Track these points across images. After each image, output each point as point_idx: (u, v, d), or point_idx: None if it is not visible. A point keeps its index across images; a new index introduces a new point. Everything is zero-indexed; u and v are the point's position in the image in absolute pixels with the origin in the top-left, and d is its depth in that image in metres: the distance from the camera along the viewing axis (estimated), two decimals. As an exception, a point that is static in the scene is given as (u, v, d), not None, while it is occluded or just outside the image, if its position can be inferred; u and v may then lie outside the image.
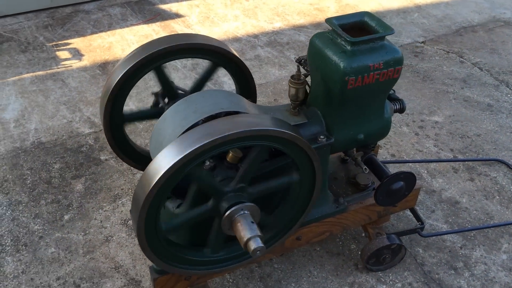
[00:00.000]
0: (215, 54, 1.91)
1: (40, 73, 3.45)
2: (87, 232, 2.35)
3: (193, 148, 1.32)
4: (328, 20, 1.68)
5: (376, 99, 1.79)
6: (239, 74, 2.01)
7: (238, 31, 4.03)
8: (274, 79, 3.51)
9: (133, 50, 1.85)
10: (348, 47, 1.63)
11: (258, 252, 1.42)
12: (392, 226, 2.44)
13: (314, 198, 1.71)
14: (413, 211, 2.30)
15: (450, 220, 2.48)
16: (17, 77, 3.40)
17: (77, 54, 3.65)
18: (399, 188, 1.93)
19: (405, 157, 2.84)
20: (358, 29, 1.73)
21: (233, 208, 1.50)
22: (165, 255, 1.56)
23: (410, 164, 2.78)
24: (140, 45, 1.86)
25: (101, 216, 2.43)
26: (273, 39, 3.97)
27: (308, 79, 1.83)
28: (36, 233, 2.34)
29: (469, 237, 2.40)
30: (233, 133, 1.34)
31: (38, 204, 2.49)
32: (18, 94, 3.25)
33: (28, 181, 2.63)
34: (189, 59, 3.60)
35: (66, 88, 3.32)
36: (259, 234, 1.45)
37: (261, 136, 1.42)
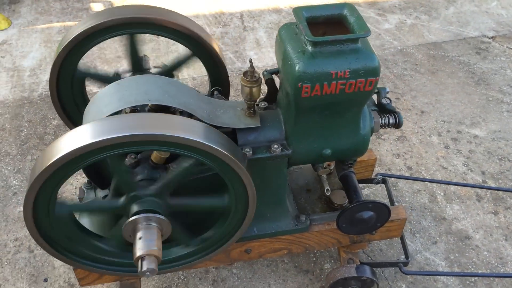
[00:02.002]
0: (189, 39, 1.70)
1: (70, 23, 3.41)
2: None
3: (75, 148, 1.15)
4: (296, 10, 1.38)
5: (345, 112, 1.48)
6: (210, 63, 1.78)
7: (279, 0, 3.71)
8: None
9: (106, 9, 1.70)
10: (309, 47, 1.33)
11: (147, 273, 1.24)
12: (380, 251, 2.13)
13: (248, 215, 1.47)
14: (402, 241, 1.97)
15: (452, 258, 2.11)
16: (46, 25, 3.40)
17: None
18: (368, 218, 1.63)
19: (423, 173, 2.46)
20: (335, 24, 1.41)
21: (141, 215, 1.32)
22: (57, 241, 1.42)
23: (427, 183, 2.40)
24: (116, 6, 1.69)
25: (78, 183, 2.37)
26: (317, 15, 3.61)
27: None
28: (12, 188, 2.34)
29: (468, 282, 2.03)
30: (109, 138, 1.14)
31: (24, 159, 2.48)
32: (42, 42, 3.25)
33: (23, 134, 2.62)
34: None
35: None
36: (156, 254, 1.26)
37: (156, 142, 1.20)
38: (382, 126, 1.65)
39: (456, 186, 2.39)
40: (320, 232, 1.76)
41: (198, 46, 1.74)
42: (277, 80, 1.59)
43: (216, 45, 1.77)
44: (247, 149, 1.49)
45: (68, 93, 1.74)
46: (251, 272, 2.03)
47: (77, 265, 1.47)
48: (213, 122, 1.47)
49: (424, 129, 2.71)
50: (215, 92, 1.74)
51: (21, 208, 2.24)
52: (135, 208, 1.33)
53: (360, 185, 2.33)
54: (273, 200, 1.65)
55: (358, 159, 2.01)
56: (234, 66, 3.12)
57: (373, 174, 2.18)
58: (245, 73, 1.43)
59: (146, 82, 1.43)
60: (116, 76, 1.77)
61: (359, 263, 1.86)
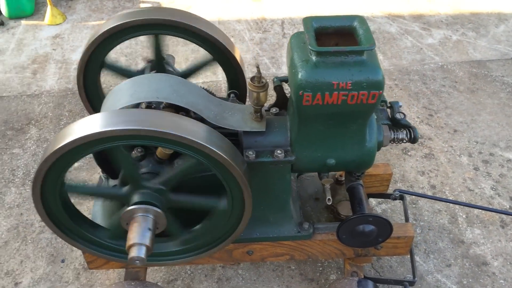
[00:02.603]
0: (211, 45, 1.76)
1: (118, 21, 3.59)
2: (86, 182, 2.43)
3: (77, 137, 1.23)
4: (305, 20, 1.40)
5: (350, 124, 1.48)
6: (229, 68, 1.83)
7: (323, 8, 3.71)
8: (339, 70, 3.18)
9: (135, 10, 1.80)
10: (313, 57, 1.35)
11: (136, 261, 1.30)
12: (390, 268, 2.09)
13: (245, 217, 1.50)
14: (411, 258, 1.93)
15: (465, 282, 2.04)
16: (97, 22, 3.59)
17: (158, 8, 3.71)
18: (369, 232, 1.62)
19: (446, 193, 2.39)
20: (347, 36, 1.42)
21: (139, 206, 1.38)
22: (61, 220, 1.51)
23: (450, 204, 2.33)
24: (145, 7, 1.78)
25: (105, 172, 2.49)
26: (359, 26, 3.58)
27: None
28: (45, 172, 2.49)
29: (478, 310, 1.96)
30: (109, 130, 1.22)
31: (60, 146, 2.63)
32: (91, 38, 3.44)
33: (62, 122, 2.79)
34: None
35: (134, 41, 3.40)
36: (148, 245, 1.32)
37: (154, 138, 1.26)
38: (394, 141, 1.63)
39: (480, 210, 2.31)
40: (323, 241, 1.76)
41: (220, 53, 1.80)
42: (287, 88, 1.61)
43: (238, 53, 1.82)
44: (250, 152, 1.53)
45: (94, 86, 1.85)
46: (256, 274, 2.06)
47: (80, 248, 1.57)
48: (219, 123, 1.51)
49: (454, 149, 2.63)
50: (232, 95, 1.79)
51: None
52: (135, 198, 1.40)
53: (378, 200, 2.34)
54: (276, 205, 1.67)
55: (373, 173, 2.01)
56: (269, 72, 3.16)
57: (390, 189, 2.15)
58: (252, 78, 1.47)
59: (158, 81, 1.50)
60: (138, 72, 1.86)
61: (363, 277, 1.84)
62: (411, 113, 2.84)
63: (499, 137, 2.70)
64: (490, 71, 3.17)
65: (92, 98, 1.90)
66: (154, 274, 2.06)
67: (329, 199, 1.61)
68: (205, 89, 1.66)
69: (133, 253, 1.29)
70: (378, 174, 2.00)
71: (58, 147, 1.26)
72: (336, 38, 1.46)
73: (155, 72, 1.83)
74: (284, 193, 1.65)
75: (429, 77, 3.13)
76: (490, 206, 2.33)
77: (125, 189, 1.44)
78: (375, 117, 1.58)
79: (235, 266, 2.08)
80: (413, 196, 2.35)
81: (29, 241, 2.18)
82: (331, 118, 1.44)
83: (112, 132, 1.22)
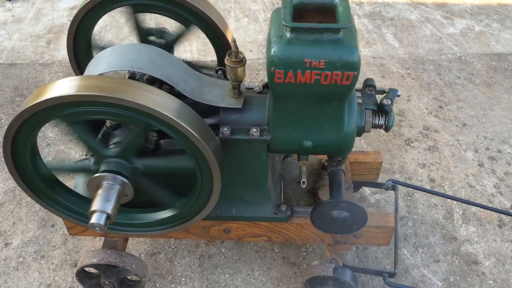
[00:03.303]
0: (192, 13, 1.73)
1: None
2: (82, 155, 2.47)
3: (42, 100, 1.24)
4: (284, -6, 1.36)
5: (326, 106, 1.43)
6: (219, 45, 1.80)
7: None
8: (351, 55, 3.09)
9: None
10: (287, 33, 1.31)
11: (96, 228, 1.31)
12: (375, 259, 2.05)
13: (214, 195, 1.49)
14: (395, 250, 1.88)
15: (452, 280, 1.97)
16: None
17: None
18: (343, 218, 1.58)
19: (445, 187, 2.31)
20: (328, 14, 1.37)
21: (104, 174, 1.39)
22: (38, 185, 1.54)
23: (448, 199, 2.25)
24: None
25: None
26: (377, 11, 3.47)
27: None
28: (47, 139, 2.54)
29: (461, 308, 1.89)
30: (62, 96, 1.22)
31: (64, 115, 2.68)
32: (107, 11, 3.47)
33: (69, 92, 2.83)
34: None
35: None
36: (109, 212, 1.32)
37: (108, 104, 1.26)
38: (373, 126, 1.58)
39: (478, 208, 2.22)
40: (300, 225, 1.73)
41: (209, 28, 1.77)
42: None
43: (229, 29, 1.79)
44: (225, 129, 1.51)
45: (85, 57, 1.85)
46: (239, 254, 2.05)
47: (55, 212, 1.60)
48: (194, 97, 1.50)
49: (460, 143, 2.53)
50: (219, 72, 1.76)
51: (49, 159, 2.44)
52: (102, 167, 1.41)
53: (372, 189, 2.28)
54: (252, 184, 1.65)
55: (363, 160, 1.96)
56: (279, 54, 3.10)
57: (379, 178, 2.09)
58: (229, 54, 1.44)
59: (137, 51, 1.49)
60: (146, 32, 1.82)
61: (341, 264, 1.81)
62: (420, 104, 2.75)
63: (511, 134, 2.58)
64: (510, 65, 3.02)
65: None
66: (139, 246, 2.08)
67: (303, 182, 1.58)
68: (189, 63, 1.64)
69: (93, 219, 1.30)
70: (367, 162, 1.95)
71: (18, 112, 1.28)
72: (320, 16, 1.41)
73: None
74: (261, 173, 1.62)
75: (445, 68, 3.01)
76: (490, 205, 2.24)
77: (92, 160, 1.45)
78: (357, 100, 1.53)
79: (218, 244, 2.08)
80: (410, 189, 2.28)
81: (24, 205, 2.24)
82: (306, 98, 1.40)
83: (60, 99, 1.23)
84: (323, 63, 1.29)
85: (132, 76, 1.63)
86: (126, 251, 2.02)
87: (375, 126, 1.58)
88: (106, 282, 1.80)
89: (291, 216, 1.73)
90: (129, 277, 1.86)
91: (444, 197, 2.16)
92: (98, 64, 1.48)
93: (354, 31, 1.35)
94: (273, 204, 1.72)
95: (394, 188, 2.08)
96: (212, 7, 1.78)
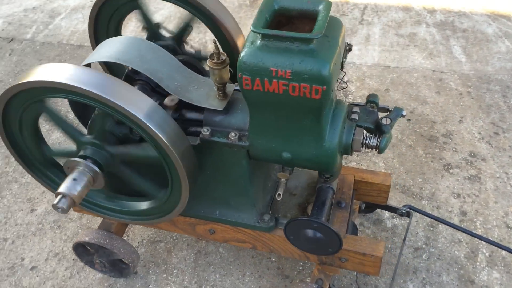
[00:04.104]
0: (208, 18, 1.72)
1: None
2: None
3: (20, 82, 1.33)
4: (267, -1, 1.30)
5: (302, 118, 1.34)
6: (227, 45, 1.77)
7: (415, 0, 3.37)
8: (408, 67, 2.89)
9: None
10: (258, 39, 1.25)
11: (58, 209, 1.37)
12: (375, 287, 1.90)
13: (184, 189, 1.47)
14: (392, 281, 1.73)
15: (455, 327, 1.77)
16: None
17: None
18: (317, 239, 1.49)
19: (477, 224, 2.07)
20: (309, 21, 1.28)
21: (78, 159, 1.44)
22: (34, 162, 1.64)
23: (475, 238, 2.00)
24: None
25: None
26: (450, 21, 3.18)
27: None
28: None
29: None
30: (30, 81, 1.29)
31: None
32: (175, 2, 3.60)
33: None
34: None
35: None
36: (73, 197, 1.38)
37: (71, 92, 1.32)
38: (363, 145, 1.46)
39: (508, 253, 1.96)
40: (283, 238, 1.66)
41: (219, 30, 1.75)
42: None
43: (232, 24, 1.75)
44: (205, 129, 1.49)
45: (104, 34, 1.91)
46: (235, 256, 2.03)
47: (46, 186, 1.70)
48: (178, 95, 1.50)
49: (509, 176, 2.24)
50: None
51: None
52: (81, 153, 1.47)
53: (392, 213, 2.11)
54: (234, 189, 1.62)
55: (370, 180, 1.83)
56: (331, 58, 2.98)
57: (402, 202, 1.93)
58: (211, 55, 1.42)
59: (129, 43, 1.52)
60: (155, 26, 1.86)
61: (327, 287, 1.71)
62: (472, 127, 2.48)
63: None
64: None
65: None
66: (143, 232, 2.15)
67: (279, 194, 1.51)
68: (198, 52, 1.64)
69: (56, 201, 1.36)
70: (374, 183, 1.81)
71: (5, 91, 1.38)
72: (312, 24, 1.33)
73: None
74: (242, 179, 1.58)
75: (514, 89, 2.68)
76: (526, 251, 1.96)
77: (74, 146, 1.51)
78: (353, 115, 1.42)
79: (217, 243, 2.07)
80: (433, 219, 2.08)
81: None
82: (279, 108, 1.33)
83: (33, 83, 1.30)
84: (289, 74, 1.22)
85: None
86: (125, 235, 2.11)
87: (366, 146, 1.46)
88: (97, 261, 1.89)
89: (275, 227, 1.67)
90: (123, 260, 1.92)
91: (466, 233, 1.93)
92: (93, 53, 1.54)
93: (334, 42, 1.25)
94: (257, 212, 1.67)
95: (408, 215, 1.92)
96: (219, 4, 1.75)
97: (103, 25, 1.87)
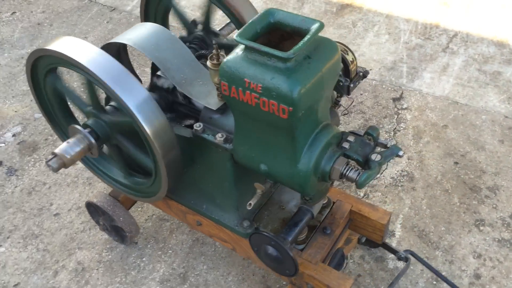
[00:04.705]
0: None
1: (296, -11, 3.69)
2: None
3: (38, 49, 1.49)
4: (267, 10, 1.29)
5: (276, 134, 1.33)
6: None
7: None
8: (479, 107, 2.64)
9: None
10: (243, 49, 1.26)
11: (49, 167, 1.50)
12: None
13: (163, 176, 1.54)
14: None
15: None
16: (279, -15, 3.77)
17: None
18: (275, 257, 1.47)
19: (489, 291, 1.87)
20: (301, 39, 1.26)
21: (78, 127, 1.57)
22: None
23: (483, 303, 1.82)
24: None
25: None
26: (546, 67, 2.84)
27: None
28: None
29: None
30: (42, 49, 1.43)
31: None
32: (264, -2, 3.66)
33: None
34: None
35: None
36: (64, 159, 1.51)
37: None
38: (342, 177, 1.40)
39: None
40: (257, 248, 1.66)
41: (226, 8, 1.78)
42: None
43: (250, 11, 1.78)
44: (198, 125, 1.54)
45: (153, 12, 2.02)
46: (228, 253, 2.07)
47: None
48: (180, 87, 1.56)
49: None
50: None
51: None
52: (86, 121, 1.60)
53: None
54: (219, 188, 1.65)
55: (366, 215, 1.76)
56: (398, 81, 2.85)
57: (419, 250, 1.82)
58: (211, 57, 1.45)
59: (151, 32, 1.61)
60: (192, 23, 1.95)
61: (294, 308, 1.68)
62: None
63: None
64: None
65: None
66: (155, 208, 2.26)
67: (249, 204, 1.51)
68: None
69: (48, 158, 1.51)
70: (370, 218, 1.72)
71: (32, 52, 1.55)
72: (280, 35, 1.31)
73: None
74: (227, 181, 1.61)
75: None
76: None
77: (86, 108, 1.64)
78: (325, 141, 1.37)
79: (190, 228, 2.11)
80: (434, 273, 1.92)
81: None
82: (256, 120, 1.33)
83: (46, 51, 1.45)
84: (260, 88, 1.21)
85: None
86: (139, 208, 2.25)
87: (346, 178, 1.40)
88: (101, 222, 2.05)
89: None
90: (122, 228, 2.06)
91: (465, 299, 1.76)
92: (121, 34, 1.66)
93: (318, 67, 1.22)
94: (240, 216, 1.69)
95: (406, 260, 1.81)
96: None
97: (151, 18, 2.00)
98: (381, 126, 2.58)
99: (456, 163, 2.36)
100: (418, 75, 2.88)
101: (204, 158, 1.61)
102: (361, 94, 2.78)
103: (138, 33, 1.61)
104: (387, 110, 2.68)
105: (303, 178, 1.38)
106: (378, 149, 1.48)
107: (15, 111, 2.86)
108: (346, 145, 1.44)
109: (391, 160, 2.40)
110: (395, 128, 2.57)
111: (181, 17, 1.91)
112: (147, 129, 1.42)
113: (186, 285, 1.98)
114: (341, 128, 2.59)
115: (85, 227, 2.22)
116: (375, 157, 1.40)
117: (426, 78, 2.85)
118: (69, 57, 1.41)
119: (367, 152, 1.44)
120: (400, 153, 1.43)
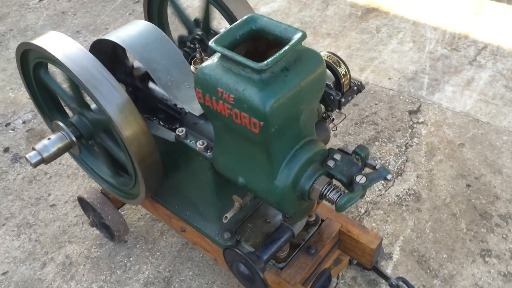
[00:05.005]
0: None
1: (323, -10, 3.58)
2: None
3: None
4: (251, 16, 1.21)
5: (252, 147, 1.25)
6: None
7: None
8: (501, 126, 2.47)
9: None
10: (217, 57, 1.18)
11: (28, 161, 1.48)
12: None
13: (140, 179, 1.50)
14: None
15: None
16: (305, -15, 3.67)
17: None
18: (247, 276, 1.40)
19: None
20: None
21: (61, 124, 1.52)
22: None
23: None
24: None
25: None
26: None
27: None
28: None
29: None
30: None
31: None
32: (288, -3, 3.56)
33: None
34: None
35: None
36: (44, 155, 1.48)
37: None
38: (322, 197, 1.31)
39: None
40: (237, 262, 1.59)
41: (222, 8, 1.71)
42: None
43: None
44: (180, 130, 1.48)
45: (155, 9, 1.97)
46: (215, 262, 2.00)
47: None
48: (166, 90, 1.50)
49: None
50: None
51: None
52: (70, 118, 1.57)
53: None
54: (201, 196, 1.59)
55: (355, 237, 1.67)
56: (417, 93, 2.70)
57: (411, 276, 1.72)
58: (194, 61, 1.39)
59: (141, 30, 1.55)
60: (193, 23, 1.88)
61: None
62: (543, 218, 2.05)
63: None
64: None
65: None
66: (150, 206, 2.23)
67: (225, 217, 1.43)
68: None
69: (28, 154, 1.48)
70: (359, 241, 1.62)
71: (19, 45, 1.52)
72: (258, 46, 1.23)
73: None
74: (208, 189, 1.54)
75: None
76: None
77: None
78: (305, 158, 1.28)
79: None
80: (435, 303, 1.80)
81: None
82: (231, 130, 1.26)
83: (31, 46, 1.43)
84: (232, 99, 1.14)
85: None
86: (134, 206, 2.22)
87: (326, 199, 1.31)
88: (91, 218, 2.03)
89: (235, 248, 1.61)
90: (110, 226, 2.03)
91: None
92: (114, 31, 1.61)
93: (295, 81, 1.13)
94: (221, 227, 1.62)
95: (397, 288, 1.70)
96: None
97: (154, 17, 1.96)
98: (392, 139, 2.45)
99: (468, 185, 2.21)
100: (439, 88, 2.72)
101: (188, 165, 1.55)
102: (376, 104, 2.66)
103: (129, 31, 1.56)
104: (402, 123, 2.54)
105: (279, 196, 1.30)
106: (367, 170, 1.38)
107: (28, 99, 2.89)
108: (331, 163, 1.35)
109: (399, 177, 2.28)
110: (407, 143, 2.43)
111: (181, 15, 1.85)
112: (123, 133, 1.37)
113: (169, 290, 1.94)
114: (350, 139, 2.48)
115: (78, 221, 2.21)
116: (360, 179, 1.30)
117: (448, 92, 2.69)
118: (49, 53, 1.38)
119: (353, 172, 1.34)
120: (388, 176, 1.33)
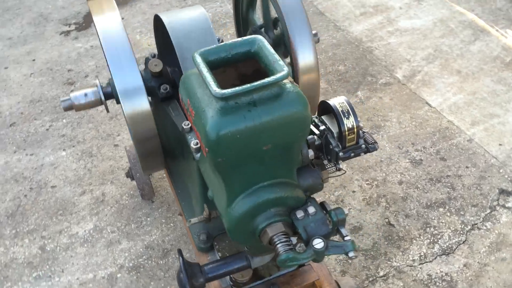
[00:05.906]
0: None
1: None
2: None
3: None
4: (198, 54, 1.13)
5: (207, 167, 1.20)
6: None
7: None
8: None
9: None
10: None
11: (61, 102, 1.62)
12: None
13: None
14: None
15: None
16: None
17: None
18: (182, 284, 1.38)
19: None
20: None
21: (99, 83, 1.65)
22: None
23: None
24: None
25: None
26: None
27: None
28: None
29: None
30: None
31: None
32: None
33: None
34: None
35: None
36: (73, 104, 1.59)
37: None
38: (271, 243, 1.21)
39: None
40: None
41: None
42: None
43: None
44: (186, 123, 1.47)
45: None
46: (214, 255, 2.01)
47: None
48: (189, 80, 1.51)
49: None
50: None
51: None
52: None
53: None
54: (193, 191, 1.60)
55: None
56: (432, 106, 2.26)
57: None
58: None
59: (192, 17, 1.56)
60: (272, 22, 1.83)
61: None
62: None
63: None
64: None
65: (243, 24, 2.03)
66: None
67: (189, 221, 1.41)
68: None
69: (62, 98, 1.62)
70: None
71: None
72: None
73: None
74: (198, 187, 1.53)
75: None
76: None
77: None
78: (264, 198, 1.18)
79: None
80: None
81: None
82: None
83: None
84: (194, 115, 1.10)
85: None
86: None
87: (274, 248, 1.21)
88: (128, 170, 2.18)
89: (206, 250, 1.60)
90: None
91: None
92: (171, 11, 1.65)
93: (259, 117, 1.04)
94: (202, 227, 1.61)
95: None
96: None
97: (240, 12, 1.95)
98: (461, 213, 2.12)
99: None
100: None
101: (188, 158, 1.56)
102: (466, 167, 2.30)
103: (182, 15, 1.59)
104: (484, 199, 2.17)
105: (229, 222, 1.24)
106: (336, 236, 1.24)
107: (149, 45, 3.15)
108: (299, 214, 1.23)
109: (443, 256, 1.97)
110: (475, 224, 2.08)
111: (265, 9, 1.81)
112: (125, 115, 1.43)
113: (162, 261, 2.01)
114: (414, 193, 2.21)
115: (127, 167, 2.39)
116: (317, 243, 1.17)
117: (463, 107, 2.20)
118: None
119: (317, 233, 1.21)
120: (351, 254, 1.18)
